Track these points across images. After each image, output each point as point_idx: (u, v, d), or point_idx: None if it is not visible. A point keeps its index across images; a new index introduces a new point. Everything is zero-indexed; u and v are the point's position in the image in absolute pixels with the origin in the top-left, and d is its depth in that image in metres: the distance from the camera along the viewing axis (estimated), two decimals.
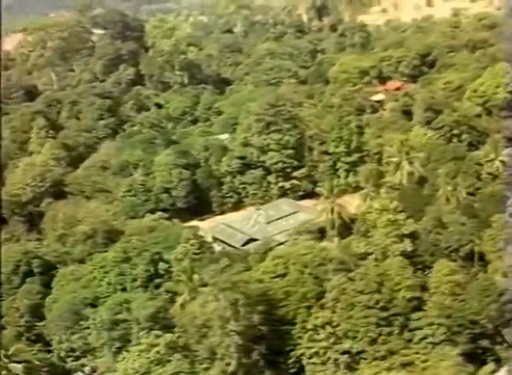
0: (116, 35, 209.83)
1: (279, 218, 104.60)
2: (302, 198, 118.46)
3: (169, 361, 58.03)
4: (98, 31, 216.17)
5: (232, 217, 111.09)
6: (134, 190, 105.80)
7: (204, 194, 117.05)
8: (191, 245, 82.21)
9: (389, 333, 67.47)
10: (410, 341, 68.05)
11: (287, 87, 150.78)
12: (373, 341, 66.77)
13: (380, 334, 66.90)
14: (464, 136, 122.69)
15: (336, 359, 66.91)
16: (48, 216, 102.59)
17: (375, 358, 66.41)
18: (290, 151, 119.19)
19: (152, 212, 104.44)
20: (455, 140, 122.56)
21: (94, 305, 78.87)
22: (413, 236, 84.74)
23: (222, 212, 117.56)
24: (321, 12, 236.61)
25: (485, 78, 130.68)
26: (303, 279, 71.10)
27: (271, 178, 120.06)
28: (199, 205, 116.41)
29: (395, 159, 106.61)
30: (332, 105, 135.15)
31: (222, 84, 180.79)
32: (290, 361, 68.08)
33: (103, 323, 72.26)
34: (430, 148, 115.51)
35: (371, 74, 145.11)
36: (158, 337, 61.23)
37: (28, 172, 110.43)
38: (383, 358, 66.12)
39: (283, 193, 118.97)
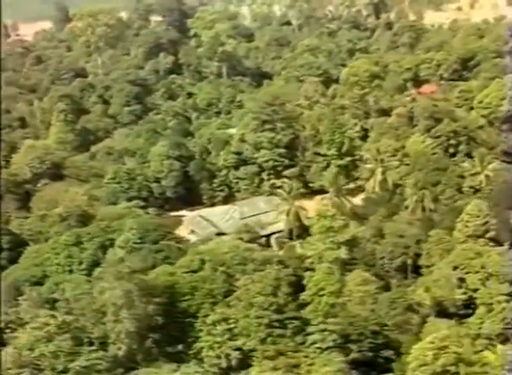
0: (173, 23, 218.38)
1: (252, 215, 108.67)
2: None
3: (51, 340, 63.79)
4: (156, 18, 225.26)
5: (214, 210, 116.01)
6: (119, 177, 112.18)
7: (195, 186, 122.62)
8: (133, 235, 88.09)
9: (281, 335, 71.15)
10: (302, 343, 71.37)
11: (305, 85, 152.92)
12: (263, 341, 70.65)
13: (270, 335, 70.67)
14: (462, 147, 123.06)
15: (228, 355, 71.31)
16: (37, 196, 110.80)
17: (265, 358, 70.24)
18: (282, 150, 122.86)
19: (132, 200, 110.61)
20: (452, 150, 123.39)
21: (41, 284, 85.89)
22: (352, 243, 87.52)
23: (213, 204, 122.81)
24: (378, 8, 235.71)
25: (491, 89, 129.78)
26: (214, 276, 75.61)
27: (264, 175, 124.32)
28: (189, 196, 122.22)
29: (369, 166, 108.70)
30: (341, 106, 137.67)
31: (261, 78, 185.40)
32: (191, 352, 72.90)
33: (35, 300, 78.94)
34: (415, 157, 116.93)
35: (404, 77, 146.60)
36: (52, 317, 67.21)
37: (29, 153, 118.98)
38: (272, 358, 69.84)
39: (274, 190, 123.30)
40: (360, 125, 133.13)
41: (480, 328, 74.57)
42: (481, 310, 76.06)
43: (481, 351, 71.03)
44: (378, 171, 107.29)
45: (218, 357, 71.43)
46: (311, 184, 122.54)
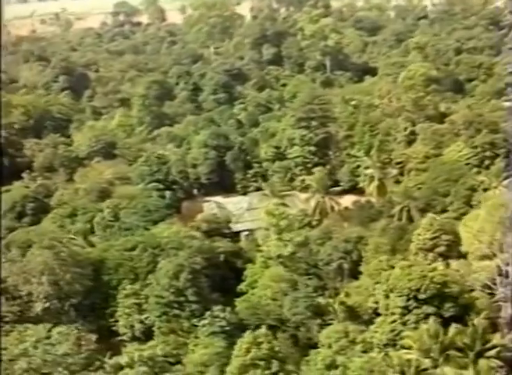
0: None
1: (257, 208, 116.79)
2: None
3: None
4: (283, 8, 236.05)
5: (233, 199, 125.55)
6: (150, 160, 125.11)
7: (230, 175, 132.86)
8: (108, 213, 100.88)
9: (177, 315, 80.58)
10: (196, 326, 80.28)
11: (381, 84, 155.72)
12: (160, 318, 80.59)
13: (166, 314, 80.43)
14: (498, 160, 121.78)
15: (132, 326, 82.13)
16: (80, 171, 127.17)
17: (161, 333, 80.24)
18: (312, 148, 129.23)
19: (159, 182, 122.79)
20: (487, 162, 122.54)
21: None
22: (299, 243, 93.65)
23: (245, 194, 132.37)
24: None
25: None
26: (142, 256, 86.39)
27: (296, 170, 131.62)
28: (224, 184, 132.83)
29: (369, 171, 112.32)
30: (396, 109, 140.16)
31: (365, 73, 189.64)
32: (111, 320, 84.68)
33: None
34: (432, 165, 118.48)
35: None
36: None
37: (88, 132, 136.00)
38: (166, 334, 79.68)
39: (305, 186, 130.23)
40: (410, 129, 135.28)
41: (372, 337, 78.59)
42: (379, 319, 79.92)
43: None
44: (376, 177, 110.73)
45: (126, 327, 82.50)
46: (342, 183, 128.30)
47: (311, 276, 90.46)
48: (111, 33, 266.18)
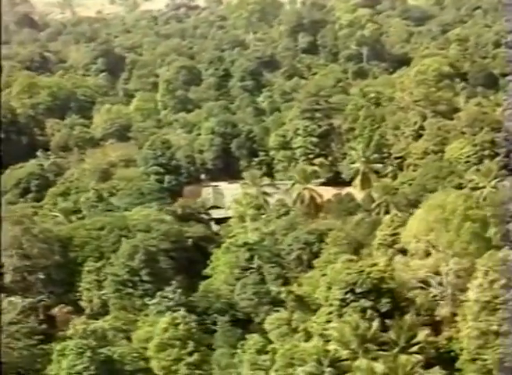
0: None
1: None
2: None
3: None
4: None
5: (231, 185, 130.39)
6: (155, 144, 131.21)
7: (235, 162, 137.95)
8: (92, 194, 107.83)
9: (130, 294, 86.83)
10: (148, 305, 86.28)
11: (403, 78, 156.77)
12: (113, 294, 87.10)
13: (119, 291, 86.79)
14: (498, 158, 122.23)
15: (91, 301, 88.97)
16: (90, 152, 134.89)
17: (116, 309, 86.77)
18: (314, 139, 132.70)
19: (161, 166, 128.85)
20: (487, 160, 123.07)
21: None
22: (268, 233, 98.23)
23: None
24: None
25: None
26: (108, 236, 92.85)
27: (300, 160, 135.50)
28: (230, 170, 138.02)
29: (355, 165, 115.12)
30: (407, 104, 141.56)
31: (402, 65, 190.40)
32: (77, 295, 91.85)
33: None
34: (426, 163, 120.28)
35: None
36: None
37: (104, 115, 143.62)
38: (118, 310, 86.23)
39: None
40: (419, 124, 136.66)
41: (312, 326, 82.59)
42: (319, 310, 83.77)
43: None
44: (360, 171, 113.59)
45: (86, 301, 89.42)
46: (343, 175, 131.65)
47: (273, 265, 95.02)
48: (165, 16, 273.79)
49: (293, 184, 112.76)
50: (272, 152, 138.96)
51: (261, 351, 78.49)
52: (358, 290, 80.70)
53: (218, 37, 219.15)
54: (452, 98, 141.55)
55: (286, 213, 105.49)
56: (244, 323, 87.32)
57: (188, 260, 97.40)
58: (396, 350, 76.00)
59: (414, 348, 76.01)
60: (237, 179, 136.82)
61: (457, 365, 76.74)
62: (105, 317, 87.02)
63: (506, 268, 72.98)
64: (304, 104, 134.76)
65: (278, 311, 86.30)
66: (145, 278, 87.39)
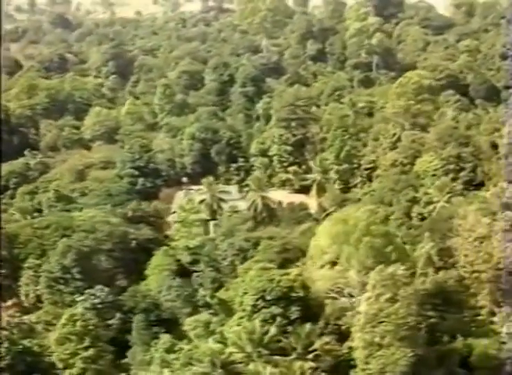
0: (372, 8, 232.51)
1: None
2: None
3: None
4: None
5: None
6: (133, 148, 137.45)
7: (214, 167, 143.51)
8: (52, 194, 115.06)
9: (60, 290, 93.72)
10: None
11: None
12: (46, 290, 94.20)
13: (51, 287, 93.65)
14: (463, 173, 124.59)
15: (27, 295, 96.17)
16: (72, 153, 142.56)
17: (48, 304, 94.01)
18: (289, 148, 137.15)
19: (137, 169, 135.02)
20: (452, 175, 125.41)
21: None
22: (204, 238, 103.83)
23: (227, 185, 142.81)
24: None
25: None
26: (51, 235, 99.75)
27: (276, 167, 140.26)
28: (209, 175, 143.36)
29: (313, 176, 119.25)
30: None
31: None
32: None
33: None
34: (387, 175, 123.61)
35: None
36: None
37: (93, 117, 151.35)
38: (50, 305, 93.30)
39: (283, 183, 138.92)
40: (398, 136, 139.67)
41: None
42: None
43: None
44: (316, 181, 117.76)
45: (24, 296, 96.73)
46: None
47: (211, 269, 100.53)
48: (195, 18, 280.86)
49: (248, 192, 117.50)
50: (252, 159, 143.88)
51: (169, 350, 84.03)
52: (268, 297, 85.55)
53: (235, 41, 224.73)
54: (433, 111, 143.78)
55: (239, 220, 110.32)
56: (170, 324, 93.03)
57: (134, 261, 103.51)
58: (292, 356, 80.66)
59: (310, 356, 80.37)
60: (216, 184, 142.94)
61: (352, 374, 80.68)
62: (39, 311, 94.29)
63: (393, 282, 76.61)
64: (281, 113, 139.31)
65: (200, 313, 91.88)
66: (77, 276, 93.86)
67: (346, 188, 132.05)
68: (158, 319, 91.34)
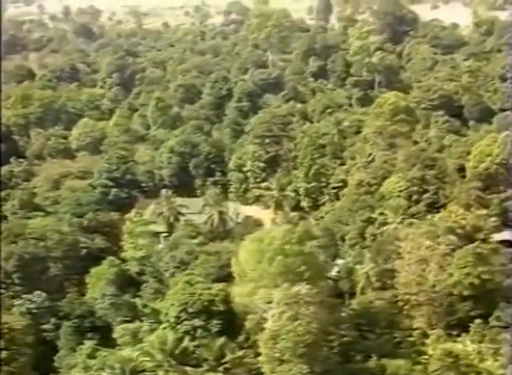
0: (385, 26, 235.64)
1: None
2: None
3: None
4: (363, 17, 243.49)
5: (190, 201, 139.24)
6: (112, 160, 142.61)
7: (191, 180, 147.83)
8: (17, 202, 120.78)
9: (1, 294, 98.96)
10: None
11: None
12: None
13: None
14: (426, 195, 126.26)
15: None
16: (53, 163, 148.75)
17: None
18: (261, 164, 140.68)
19: (114, 180, 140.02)
20: (415, 197, 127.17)
21: None
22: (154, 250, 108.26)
23: None
24: None
25: (486, 141, 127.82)
26: (4, 241, 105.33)
27: (250, 183, 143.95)
28: (186, 187, 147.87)
29: (269, 193, 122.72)
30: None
31: None
32: None
33: None
34: (347, 195, 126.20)
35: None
36: None
37: (79, 128, 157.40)
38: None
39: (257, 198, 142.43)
40: (372, 156, 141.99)
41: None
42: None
43: None
44: (274, 199, 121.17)
45: None
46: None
47: (154, 280, 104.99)
48: (214, 31, 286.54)
49: (204, 206, 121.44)
50: (230, 173, 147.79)
51: (90, 356, 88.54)
52: (190, 310, 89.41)
53: (244, 55, 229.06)
54: (409, 131, 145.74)
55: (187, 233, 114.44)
56: (104, 331, 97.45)
57: (84, 269, 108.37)
58: (203, 368, 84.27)
59: (221, 368, 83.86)
60: (193, 197, 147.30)
61: None
62: None
63: (295, 301, 79.58)
64: (257, 130, 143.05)
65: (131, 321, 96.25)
66: (17, 281, 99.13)
67: (316, 206, 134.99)
68: (92, 326, 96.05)
